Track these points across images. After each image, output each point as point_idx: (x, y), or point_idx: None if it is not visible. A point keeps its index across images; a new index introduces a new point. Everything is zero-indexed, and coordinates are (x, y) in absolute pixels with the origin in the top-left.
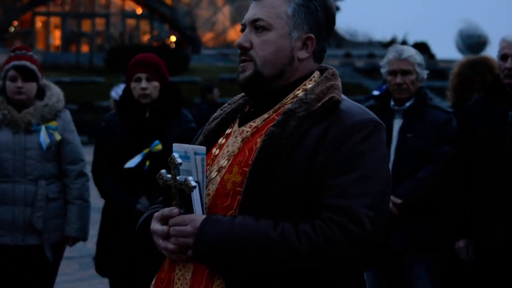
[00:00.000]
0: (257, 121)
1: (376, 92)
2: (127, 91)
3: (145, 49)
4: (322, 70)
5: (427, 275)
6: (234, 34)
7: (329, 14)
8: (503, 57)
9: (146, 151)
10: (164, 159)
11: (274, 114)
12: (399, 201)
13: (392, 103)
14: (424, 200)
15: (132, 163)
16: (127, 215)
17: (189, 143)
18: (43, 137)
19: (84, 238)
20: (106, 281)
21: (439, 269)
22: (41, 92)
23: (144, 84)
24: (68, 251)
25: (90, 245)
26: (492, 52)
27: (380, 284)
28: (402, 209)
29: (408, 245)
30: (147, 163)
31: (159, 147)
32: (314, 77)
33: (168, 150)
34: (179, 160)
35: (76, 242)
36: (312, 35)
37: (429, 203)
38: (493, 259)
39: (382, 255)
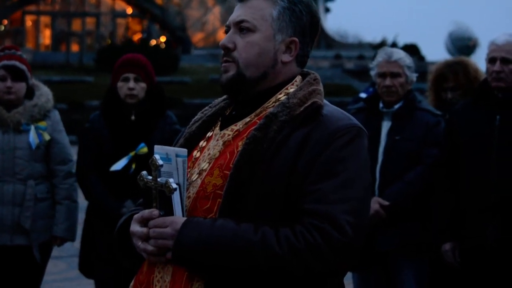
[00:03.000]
0: (239, 125)
1: (363, 95)
2: (112, 92)
3: (136, 49)
4: (304, 75)
5: (414, 279)
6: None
7: (314, 19)
8: (492, 60)
9: (132, 154)
10: None
11: (256, 118)
12: (386, 203)
13: (381, 105)
14: (412, 202)
15: (118, 166)
16: (111, 217)
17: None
18: (33, 137)
19: (72, 238)
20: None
21: (427, 272)
22: (30, 92)
23: (131, 84)
24: (57, 251)
25: (78, 244)
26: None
27: (367, 287)
28: (390, 211)
29: (396, 248)
30: (133, 166)
31: (145, 149)
32: (296, 81)
33: (153, 152)
34: (160, 162)
35: (64, 242)
36: (296, 39)
37: (417, 205)
38: (480, 263)
39: (369, 258)
